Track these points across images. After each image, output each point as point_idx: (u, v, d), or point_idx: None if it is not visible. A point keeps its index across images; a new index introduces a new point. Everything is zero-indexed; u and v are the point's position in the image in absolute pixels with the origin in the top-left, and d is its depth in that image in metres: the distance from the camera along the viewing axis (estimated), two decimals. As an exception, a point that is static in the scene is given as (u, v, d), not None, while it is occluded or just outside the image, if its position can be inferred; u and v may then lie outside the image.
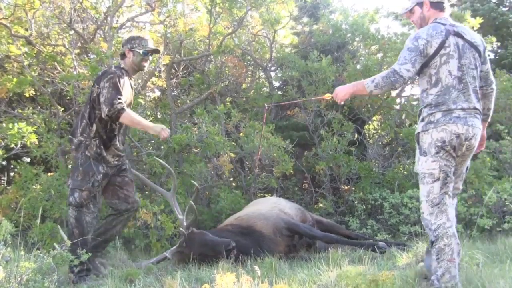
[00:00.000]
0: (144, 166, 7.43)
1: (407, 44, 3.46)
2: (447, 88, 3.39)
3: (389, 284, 3.19)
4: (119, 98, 4.16)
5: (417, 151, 3.53)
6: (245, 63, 9.29)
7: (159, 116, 8.81)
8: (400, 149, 8.04)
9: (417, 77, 3.61)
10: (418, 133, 3.50)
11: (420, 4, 3.65)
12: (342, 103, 3.78)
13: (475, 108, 3.41)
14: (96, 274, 4.44)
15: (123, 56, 4.56)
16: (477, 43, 3.55)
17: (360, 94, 3.80)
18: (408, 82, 3.38)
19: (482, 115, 3.55)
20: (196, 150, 7.66)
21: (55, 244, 3.73)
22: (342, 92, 3.70)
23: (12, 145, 6.01)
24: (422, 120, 3.46)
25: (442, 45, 3.40)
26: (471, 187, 6.40)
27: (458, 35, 3.47)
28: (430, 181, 3.40)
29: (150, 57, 4.67)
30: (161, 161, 5.49)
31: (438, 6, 3.62)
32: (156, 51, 4.67)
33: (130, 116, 4.19)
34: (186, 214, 5.06)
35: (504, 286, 3.18)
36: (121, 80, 4.27)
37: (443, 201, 3.37)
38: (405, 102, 9.00)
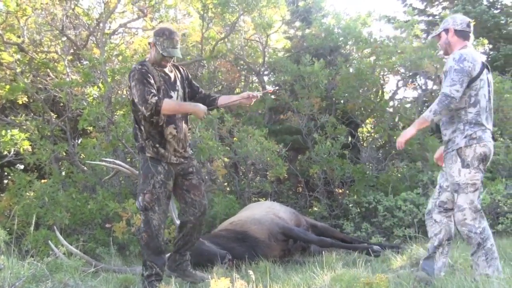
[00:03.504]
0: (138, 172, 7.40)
1: (452, 65, 3.66)
2: (482, 109, 3.72)
3: (383, 287, 3.20)
4: (151, 92, 3.93)
5: (456, 164, 3.70)
6: (238, 68, 9.28)
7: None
8: (393, 152, 8.02)
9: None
10: (460, 148, 3.69)
11: (446, 31, 3.91)
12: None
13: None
14: (193, 282, 4.32)
15: (150, 45, 4.20)
16: None
17: (422, 127, 3.92)
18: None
19: None
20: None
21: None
22: (407, 134, 3.80)
23: (5, 152, 6.01)
24: (465, 136, 3.68)
25: (481, 71, 3.71)
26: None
27: (487, 66, 3.81)
28: (472, 190, 3.66)
29: (174, 59, 4.30)
30: None
31: (463, 35, 3.87)
32: (176, 57, 4.26)
33: (169, 106, 3.96)
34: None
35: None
36: (144, 72, 4.02)
37: (480, 207, 3.71)
38: (398, 105, 9.05)
